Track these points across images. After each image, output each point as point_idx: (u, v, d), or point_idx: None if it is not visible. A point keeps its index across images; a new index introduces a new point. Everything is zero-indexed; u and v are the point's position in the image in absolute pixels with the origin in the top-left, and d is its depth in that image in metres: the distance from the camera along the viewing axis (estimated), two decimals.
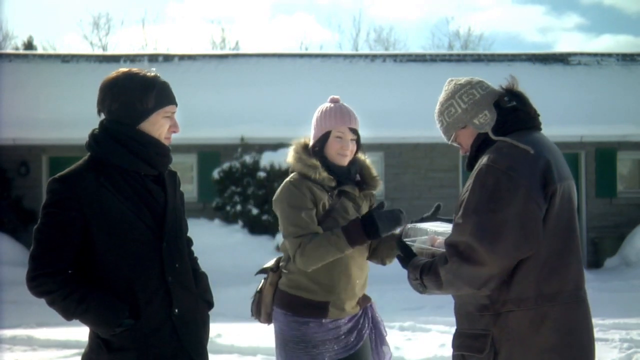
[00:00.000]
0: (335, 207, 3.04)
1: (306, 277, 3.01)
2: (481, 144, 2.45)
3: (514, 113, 2.44)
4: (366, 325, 3.14)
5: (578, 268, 2.36)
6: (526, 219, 2.22)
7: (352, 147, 3.11)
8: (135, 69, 2.49)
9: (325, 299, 3.01)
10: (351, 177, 3.13)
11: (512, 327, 2.28)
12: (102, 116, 2.47)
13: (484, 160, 2.33)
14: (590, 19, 53.22)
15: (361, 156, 3.22)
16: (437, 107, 2.58)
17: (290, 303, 3.05)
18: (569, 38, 51.76)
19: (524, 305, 2.27)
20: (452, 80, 2.57)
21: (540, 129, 2.49)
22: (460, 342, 2.42)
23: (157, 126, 2.45)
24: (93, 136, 2.45)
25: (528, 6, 53.13)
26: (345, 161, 3.09)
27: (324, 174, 3.02)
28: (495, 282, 2.26)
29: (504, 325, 2.29)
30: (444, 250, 2.42)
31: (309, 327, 3.00)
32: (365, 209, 3.14)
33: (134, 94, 2.40)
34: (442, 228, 2.57)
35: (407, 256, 2.49)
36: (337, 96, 3.18)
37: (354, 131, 3.11)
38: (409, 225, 2.63)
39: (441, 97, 2.57)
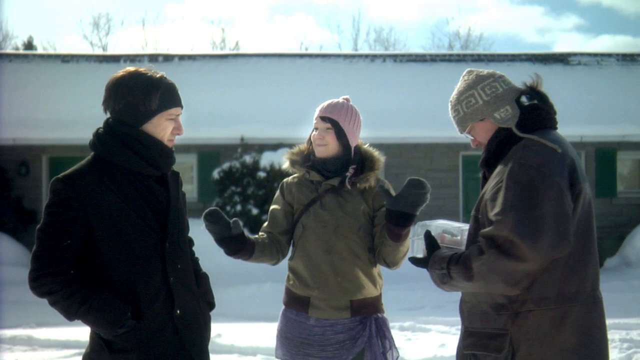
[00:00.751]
0: (315, 200, 3.00)
1: (290, 269, 3.08)
2: (503, 140, 2.41)
3: (535, 111, 2.41)
4: (366, 339, 2.94)
5: (595, 268, 2.35)
6: (560, 217, 2.20)
7: (326, 136, 3.00)
8: (142, 68, 2.46)
9: (305, 293, 2.99)
10: (332, 169, 3.01)
11: (532, 327, 2.25)
12: (108, 115, 2.46)
13: (514, 157, 2.30)
14: (588, 19, 53.30)
15: (365, 147, 3.11)
16: (455, 95, 2.51)
17: (285, 295, 3.11)
18: (567, 39, 51.82)
19: (544, 305, 2.25)
20: (472, 71, 2.52)
21: (556, 128, 2.46)
22: (473, 341, 2.39)
23: (160, 128, 2.43)
24: (97, 135, 2.43)
25: (526, 7, 53.20)
26: (320, 152, 3.02)
27: (300, 169, 3.06)
28: (528, 281, 2.22)
29: (522, 324, 2.26)
30: (453, 247, 2.40)
31: (294, 323, 3.01)
32: (357, 203, 2.98)
33: (137, 94, 2.38)
34: (450, 226, 2.52)
35: (431, 249, 2.42)
36: (347, 96, 3.13)
37: (329, 120, 3.00)
38: (420, 223, 2.57)
39: (460, 86, 2.51)
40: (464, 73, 2.55)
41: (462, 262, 2.26)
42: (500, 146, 2.41)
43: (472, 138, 2.53)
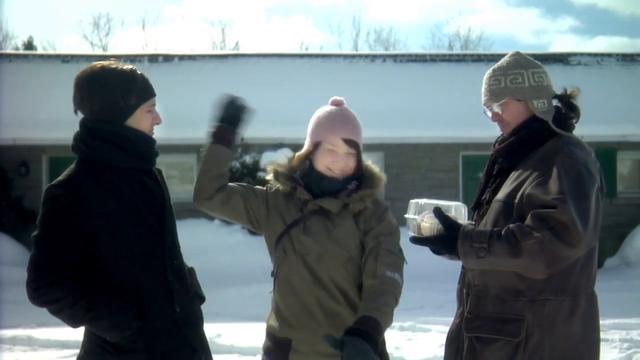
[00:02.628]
0: (298, 222, 2.52)
1: (273, 303, 2.61)
2: (536, 131, 2.46)
3: (563, 115, 2.50)
4: None
5: (596, 267, 2.47)
6: (596, 213, 2.29)
7: (349, 162, 2.54)
8: (108, 62, 2.39)
9: (286, 335, 2.50)
10: (327, 189, 2.54)
11: (547, 315, 2.34)
12: (80, 115, 2.39)
13: (561, 151, 2.35)
14: (584, 21, 53.42)
15: (368, 163, 2.65)
16: (502, 67, 2.53)
17: (265, 339, 2.64)
18: (563, 40, 51.90)
19: (561, 295, 2.34)
20: (521, 54, 2.57)
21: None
22: (480, 324, 2.42)
23: (143, 121, 2.40)
24: (80, 138, 2.37)
25: (523, 9, 53.29)
26: (336, 174, 2.55)
27: (285, 184, 2.59)
28: (561, 268, 2.27)
29: (538, 312, 2.34)
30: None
31: None
32: (348, 229, 2.49)
33: (115, 91, 2.32)
34: (441, 204, 2.42)
35: (451, 223, 2.34)
36: (340, 97, 2.65)
37: (351, 143, 2.52)
38: (412, 201, 2.45)
39: (508, 61, 2.54)
40: (512, 52, 2.59)
41: (505, 239, 2.26)
42: (531, 137, 2.46)
43: (495, 112, 2.54)
